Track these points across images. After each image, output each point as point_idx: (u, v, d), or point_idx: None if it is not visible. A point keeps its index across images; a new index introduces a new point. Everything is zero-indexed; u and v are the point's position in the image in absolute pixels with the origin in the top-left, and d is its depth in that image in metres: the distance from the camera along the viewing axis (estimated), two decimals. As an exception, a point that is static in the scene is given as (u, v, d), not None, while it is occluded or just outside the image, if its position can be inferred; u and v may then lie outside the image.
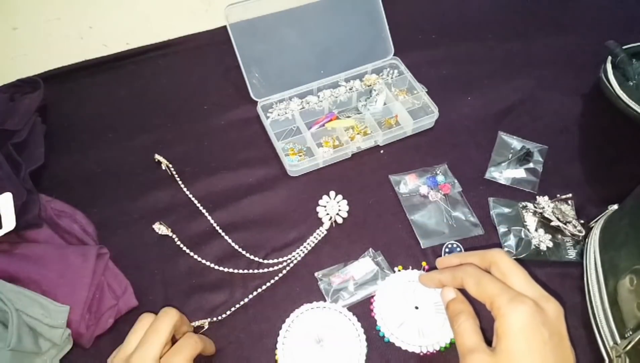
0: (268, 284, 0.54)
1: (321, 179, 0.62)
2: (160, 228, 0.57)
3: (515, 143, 0.65)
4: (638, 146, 0.64)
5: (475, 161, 0.64)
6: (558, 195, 0.59)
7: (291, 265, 0.55)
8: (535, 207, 0.58)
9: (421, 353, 0.48)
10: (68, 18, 0.72)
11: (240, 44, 0.66)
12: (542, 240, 0.55)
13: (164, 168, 0.63)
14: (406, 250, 0.56)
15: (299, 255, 0.56)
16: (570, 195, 0.59)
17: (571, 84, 0.72)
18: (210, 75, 0.74)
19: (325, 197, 0.60)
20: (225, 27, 0.65)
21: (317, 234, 0.57)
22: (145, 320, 0.43)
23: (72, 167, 0.64)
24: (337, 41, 0.70)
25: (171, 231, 0.57)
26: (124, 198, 0.60)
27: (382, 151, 0.65)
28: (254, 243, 0.57)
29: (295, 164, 0.62)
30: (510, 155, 0.64)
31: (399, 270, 0.54)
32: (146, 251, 0.56)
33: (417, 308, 0.50)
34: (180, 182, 0.62)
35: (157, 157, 0.63)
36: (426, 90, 0.69)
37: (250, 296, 0.53)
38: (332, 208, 0.59)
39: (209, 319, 0.50)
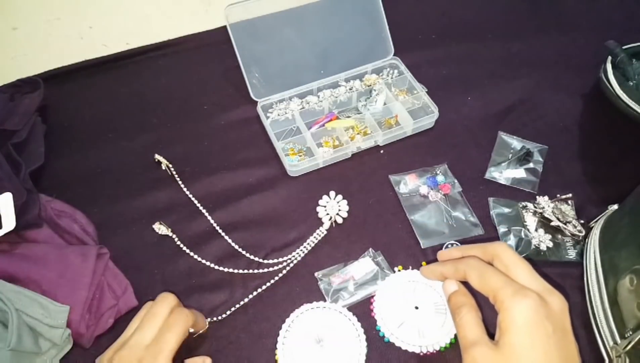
0: (268, 284, 0.54)
1: (321, 179, 0.62)
2: (160, 228, 0.57)
3: (515, 143, 0.65)
4: (638, 146, 0.64)
5: (475, 161, 0.64)
6: (558, 195, 0.59)
7: (291, 265, 0.55)
8: (535, 207, 0.58)
9: (421, 353, 0.48)
10: (68, 18, 0.72)
11: (240, 44, 0.66)
12: (542, 240, 0.55)
13: (164, 168, 0.63)
14: (406, 250, 0.56)
15: (299, 255, 0.56)
16: (570, 195, 0.59)
17: (571, 84, 0.72)
18: (210, 75, 0.74)
19: (325, 197, 0.60)
20: (225, 27, 0.65)
21: (317, 234, 0.57)
22: (146, 309, 0.44)
23: (72, 167, 0.64)
24: (337, 41, 0.70)
25: (171, 231, 0.57)
26: (124, 198, 0.60)
27: (382, 151, 0.65)
28: (254, 243, 0.57)
29: (295, 164, 0.62)
30: (510, 155, 0.64)
31: (399, 270, 0.54)
32: (146, 251, 0.56)
33: (417, 308, 0.50)
34: (180, 182, 0.62)
35: (157, 157, 0.63)
36: (426, 90, 0.69)
37: (250, 296, 0.53)
38: (332, 208, 0.59)
39: (209, 319, 0.50)
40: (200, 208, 0.59)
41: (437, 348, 0.48)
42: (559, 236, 0.56)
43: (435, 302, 0.51)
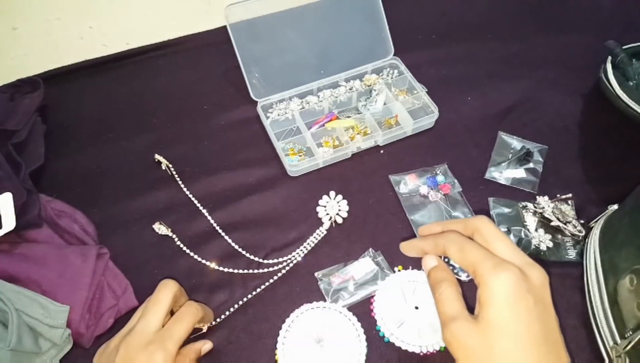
0: (268, 284, 0.54)
1: (321, 179, 0.62)
2: (160, 228, 0.57)
3: (515, 143, 0.65)
4: (638, 146, 0.64)
5: (475, 161, 0.64)
6: (558, 195, 0.59)
7: (291, 265, 0.55)
8: (535, 207, 0.58)
9: (421, 353, 0.48)
10: (68, 18, 0.72)
11: (240, 44, 0.66)
12: (542, 240, 0.55)
13: (164, 168, 0.63)
14: (406, 250, 0.56)
15: (299, 255, 0.56)
16: (570, 195, 0.59)
17: (571, 84, 0.72)
18: (210, 75, 0.74)
19: (325, 197, 0.60)
20: (225, 27, 0.65)
21: (317, 234, 0.57)
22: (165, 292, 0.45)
23: (72, 167, 0.64)
24: (337, 41, 0.70)
25: (171, 231, 0.57)
26: (124, 198, 0.60)
27: (382, 151, 0.65)
28: (254, 243, 0.57)
29: (295, 164, 0.62)
30: (510, 155, 0.64)
31: (399, 270, 0.54)
32: (146, 251, 0.56)
33: (417, 308, 0.50)
34: (180, 182, 0.62)
35: (157, 157, 0.63)
36: (426, 90, 0.69)
37: (250, 296, 0.53)
38: (332, 208, 0.59)
39: (207, 325, 0.50)
40: (200, 208, 0.59)
41: (437, 348, 0.48)
42: (559, 236, 0.56)
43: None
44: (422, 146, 0.65)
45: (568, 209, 0.58)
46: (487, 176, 0.62)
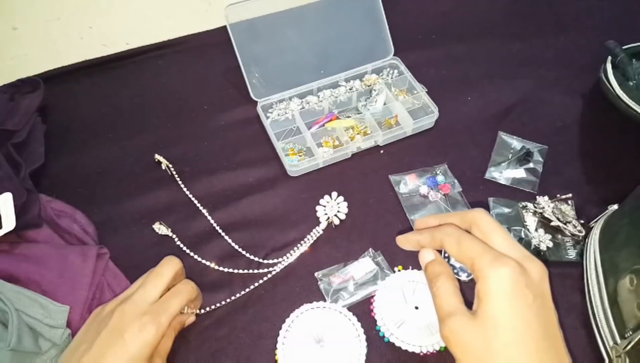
0: (268, 284, 0.54)
1: (321, 179, 0.62)
2: (160, 228, 0.57)
3: (515, 143, 0.65)
4: (638, 146, 0.64)
5: (475, 161, 0.64)
6: (558, 195, 0.59)
7: (291, 265, 0.55)
8: (535, 207, 0.58)
9: (421, 353, 0.48)
10: (68, 18, 0.72)
11: (240, 44, 0.66)
12: (542, 240, 0.55)
13: (164, 168, 0.63)
14: (406, 250, 0.56)
15: (299, 255, 0.56)
16: (570, 195, 0.59)
17: (571, 84, 0.72)
18: (210, 75, 0.74)
19: (326, 197, 0.60)
20: (225, 27, 0.65)
21: (317, 234, 0.57)
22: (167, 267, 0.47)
23: (72, 167, 0.64)
24: (337, 41, 0.70)
25: (171, 231, 0.57)
26: (124, 198, 0.60)
27: (382, 151, 0.65)
28: (253, 243, 0.57)
29: (295, 164, 0.62)
30: (510, 155, 0.64)
31: (399, 270, 0.54)
32: (146, 251, 0.56)
33: (417, 308, 0.50)
34: (180, 182, 0.62)
35: (157, 157, 0.63)
36: (426, 90, 0.69)
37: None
38: (332, 208, 0.59)
39: (196, 310, 0.51)
40: (200, 208, 0.59)
41: (437, 348, 0.48)
42: (559, 236, 0.56)
43: (435, 302, 0.50)
44: (422, 146, 0.65)
45: (568, 209, 0.58)
46: (487, 176, 0.62)
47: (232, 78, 0.71)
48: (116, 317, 0.42)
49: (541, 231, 0.56)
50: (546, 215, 0.57)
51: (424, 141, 0.66)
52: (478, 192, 0.61)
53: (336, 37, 0.70)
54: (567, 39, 0.78)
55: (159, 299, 0.44)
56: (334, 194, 0.60)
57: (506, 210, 0.58)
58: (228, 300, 0.52)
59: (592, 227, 0.55)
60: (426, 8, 0.84)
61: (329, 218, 0.58)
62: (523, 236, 0.56)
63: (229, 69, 0.72)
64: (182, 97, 0.71)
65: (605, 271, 0.49)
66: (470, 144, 0.65)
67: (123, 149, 0.65)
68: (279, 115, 0.67)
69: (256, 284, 0.53)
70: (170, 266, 0.46)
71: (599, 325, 0.48)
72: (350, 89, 0.70)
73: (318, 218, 0.58)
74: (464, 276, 0.53)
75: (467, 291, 0.41)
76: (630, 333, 0.43)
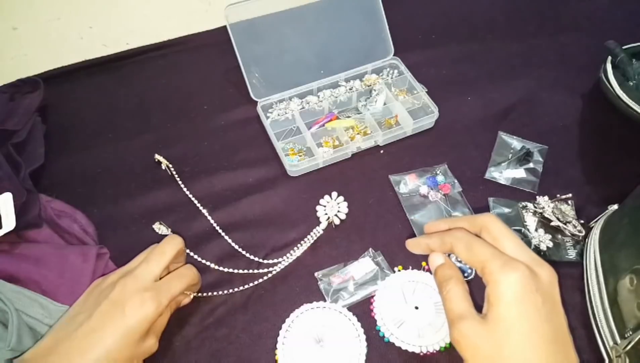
0: (268, 284, 0.53)
1: (321, 179, 0.62)
2: (160, 228, 0.57)
3: (515, 143, 0.65)
4: (638, 146, 0.64)
5: (475, 161, 0.64)
6: (558, 195, 0.59)
7: (291, 265, 0.55)
8: (535, 207, 0.58)
9: (421, 354, 0.48)
10: (68, 18, 0.72)
11: (240, 44, 0.66)
12: (542, 240, 0.55)
13: (164, 168, 0.63)
14: (406, 250, 0.55)
15: (299, 255, 0.56)
16: (570, 195, 0.59)
17: (571, 84, 0.72)
18: (210, 75, 0.74)
19: (326, 197, 0.60)
20: (225, 27, 0.65)
21: (317, 234, 0.57)
22: (151, 248, 0.48)
23: (72, 167, 0.64)
24: (337, 41, 0.70)
25: (171, 231, 0.57)
26: (124, 198, 0.60)
27: (382, 151, 0.65)
28: (254, 243, 0.57)
29: (295, 164, 0.62)
30: (510, 155, 0.64)
31: (399, 270, 0.54)
32: (146, 251, 0.56)
33: (417, 308, 0.50)
34: (180, 182, 0.62)
35: (157, 157, 0.63)
36: (426, 90, 0.69)
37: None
38: (332, 208, 0.59)
39: (195, 294, 0.52)
40: (200, 208, 0.59)
41: (437, 348, 0.48)
42: (559, 236, 0.56)
43: (435, 302, 0.51)
44: (422, 146, 0.65)
45: (568, 209, 0.58)
46: (487, 176, 0.62)
47: (232, 78, 0.71)
48: (118, 290, 0.42)
49: (541, 231, 0.56)
50: (546, 215, 0.57)
51: (424, 141, 0.66)
52: (478, 192, 0.61)
53: (336, 37, 0.70)
54: (567, 39, 0.78)
55: (163, 279, 0.45)
56: (334, 194, 0.60)
57: (506, 210, 0.58)
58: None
59: (592, 227, 0.55)
60: (426, 8, 0.84)
61: (329, 218, 0.58)
62: (523, 237, 0.56)
63: (229, 69, 0.72)
64: (182, 97, 0.71)
65: (605, 271, 0.49)
66: (470, 144, 0.65)
67: (123, 149, 0.65)
68: (279, 115, 0.67)
69: (256, 284, 0.53)
70: (172, 244, 0.47)
71: (599, 325, 0.48)
72: (350, 89, 0.70)
73: (318, 218, 0.58)
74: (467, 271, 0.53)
75: (476, 291, 0.41)
76: (630, 333, 0.43)
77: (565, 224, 0.56)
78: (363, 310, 0.51)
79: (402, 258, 0.55)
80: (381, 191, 0.61)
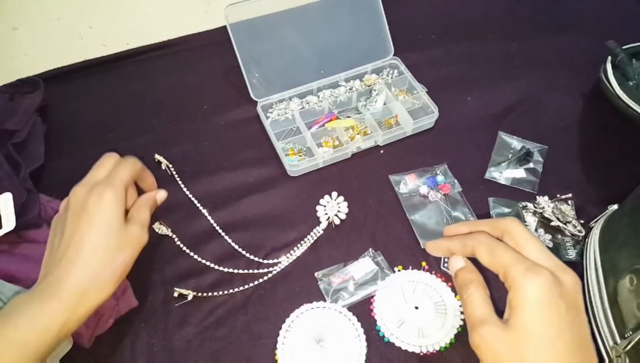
0: (268, 284, 0.54)
1: (321, 179, 0.62)
2: (160, 228, 0.57)
3: (515, 143, 0.65)
4: (638, 146, 0.64)
5: (475, 161, 0.64)
6: (558, 195, 0.59)
7: (291, 265, 0.55)
8: (535, 207, 0.58)
9: (421, 354, 0.48)
10: (68, 18, 0.72)
11: (240, 44, 0.66)
12: (542, 240, 0.55)
13: (164, 168, 0.63)
14: (406, 250, 0.56)
15: (299, 255, 0.56)
16: (570, 195, 0.59)
17: (571, 84, 0.72)
18: (210, 75, 0.74)
19: (326, 197, 0.60)
20: (225, 27, 0.65)
21: (317, 234, 0.57)
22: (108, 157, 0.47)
23: (72, 167, 0.63)
24: (337, 41, 0.70)
25: (171, 231, 0.57)
26: (124, 198, 0.60)
27: (382, 151, 0.65)
28: (253, 243, 0.57)
29: (295, 164, 0.62)
30: (510, 155, 0.64)
31: (399, 270, 0.54)
32: (146, 251, 0.56)
33: (417, 308, 0.50)
34: (180, 182, 0.62)
35: (157, 157, 0.63)
36: (426, 90, 0.69)
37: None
38: (332, 208, 0.59)
39: (193, 293, 0.51)
40: (200, 208, 0.59)
41: (437, 348, 0.48)
42: (559, 236, 0.56)
43: (435, 302, 0.51)
44: (422, 146, 0.65)
45: (568, 209, 0.58)
46: (487, 176, 0.62)
47: (232, 78, 0.71)
48: (72, 202, 0.43)
49: (541, 231, 0.56)
50: (546, 215, 0.57)
51: (424, 141, 0.66)
52: (478, 192, 0.61)
53: (336, 37, 0.70)
54: (567, 39, 0.78)
55: (128, 213, 0.45)
56: (334, 194, 0.60)
57: (506, 210, 0.58)
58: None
59: (592, 227, 0.55)
60: (426, 8, 0.84)
61: (329, 217, 0.58)
62: (523, 236, 0.56)
63: (229, 69, 0.72)
64: (182, 97, 0.71)
65: (605, 271, 0.49)
66: (470, 144, 0.65)
67: (123, 149, 0.64)
68: (279, 115, 0.67)
69: (256, 284, 0.53)
70: (115, 154, 0.47)
71: (599, 325, 0.48)
72: (350, 89, 0.70)
73: (318, 218, 0.58)
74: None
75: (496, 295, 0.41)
76: (630, 333, 0.43)
77: (565, 224, 0.56)
78: (363, 310, 0.51)
79: (402, 258, 0.55)
80: (381, 191, 0.61)
